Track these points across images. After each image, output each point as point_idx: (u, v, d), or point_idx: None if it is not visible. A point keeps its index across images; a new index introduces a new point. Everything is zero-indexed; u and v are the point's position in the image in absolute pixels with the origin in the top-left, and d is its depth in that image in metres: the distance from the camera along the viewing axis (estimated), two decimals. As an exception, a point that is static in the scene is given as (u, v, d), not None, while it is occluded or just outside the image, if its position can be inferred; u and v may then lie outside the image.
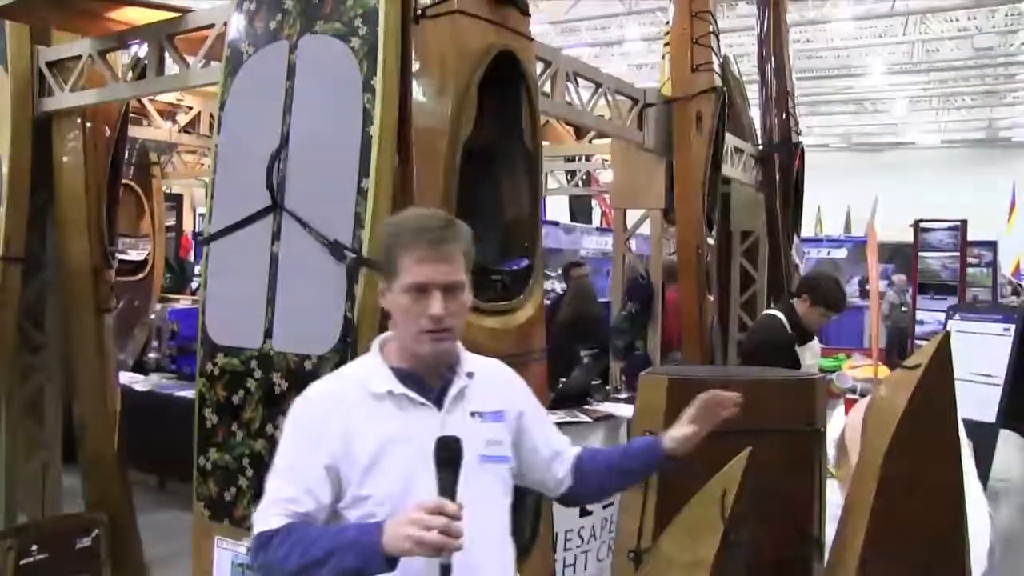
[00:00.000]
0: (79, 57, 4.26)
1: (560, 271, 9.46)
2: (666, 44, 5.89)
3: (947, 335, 2.74)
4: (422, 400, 1.78)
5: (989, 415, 6.96)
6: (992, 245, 14.14)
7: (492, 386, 1.90)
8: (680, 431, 2.00)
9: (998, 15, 16.57)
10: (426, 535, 1.49)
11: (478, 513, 1.63)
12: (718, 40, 5.76)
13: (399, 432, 1.74)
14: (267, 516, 1.71)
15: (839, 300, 4.62)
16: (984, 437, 6.53)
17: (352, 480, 1.73)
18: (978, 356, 7.15)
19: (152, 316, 7.81)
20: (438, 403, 1.79)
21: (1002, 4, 15.43)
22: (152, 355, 7.39)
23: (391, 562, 1.56)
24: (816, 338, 4.83)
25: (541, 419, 2.04)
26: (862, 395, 4.99)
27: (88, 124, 4.51)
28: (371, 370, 1.82)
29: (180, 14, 3.88)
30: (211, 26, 3.73)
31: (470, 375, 1.85)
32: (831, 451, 3.77)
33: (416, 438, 1.71)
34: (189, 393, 4.24)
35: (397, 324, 1.81)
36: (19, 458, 4.55)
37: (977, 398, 6.81)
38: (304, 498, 1.71)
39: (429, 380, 1.81)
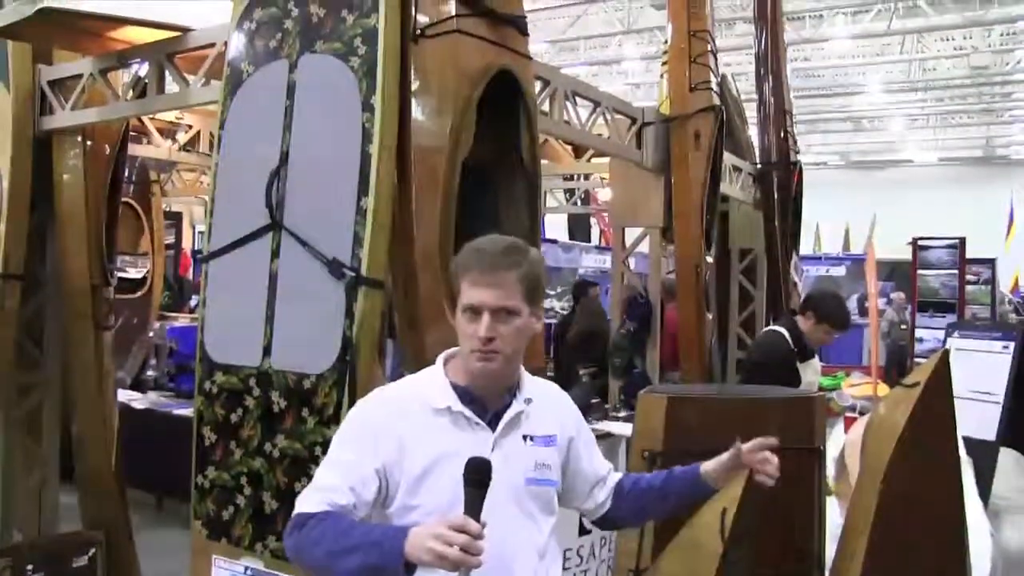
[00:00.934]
0: (80, 76, 4.28)
1: (573, 291, 9.56)
2: (664, 63, 5.93)
3: (946, 353, 2.74)
4: (478, 420, 1.84)
5: (989, 433, 6.93)
6: (991, 262, 14.15)
7: (547, 411, 1.95)
8: (719, 467, 2.03)
9: (993, 34, 16.67)
10: (447, 550, 1.53)
11: (521, 532, 1.73)
12: (716, 59, 5.80)
13: (452, 448, 1.78)
14: (309, 499, 1.79)
15: (844, 318, 4.65)
16: (984, 455, 6.51)
17: (402, 488, 1.80)
18: (978, 374, 7.14)
19: (151, 334, 7.80)
20: (493, 424, 1.85)
21: (997, 24, 15.52)
22: (150, 373, 7.39)
23: (409, 568, 1.61)
24: (816, 356, 4.83)
25: (590, 445, 2.08)
26: (861, 413, 4.99)
27: (88, 142, 4.53)
28: (434, 384, 1.88)
29: (181, 33, 3.90)
30: (211, 45, 3.75)
31: (528, 401, 1.90)
32: (831, 469, 3.76)
33: (467, 455, 1.72)
34: (187, 411, 4.24)
35: (460, 342, 1.87)
36: (16, 476, 4.53)
37: (977, 416, 6.79)
38: (347, 492, 1.77)
39: (488, 401, 1.87)
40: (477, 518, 1.59)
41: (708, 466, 2.05)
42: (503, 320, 1.80)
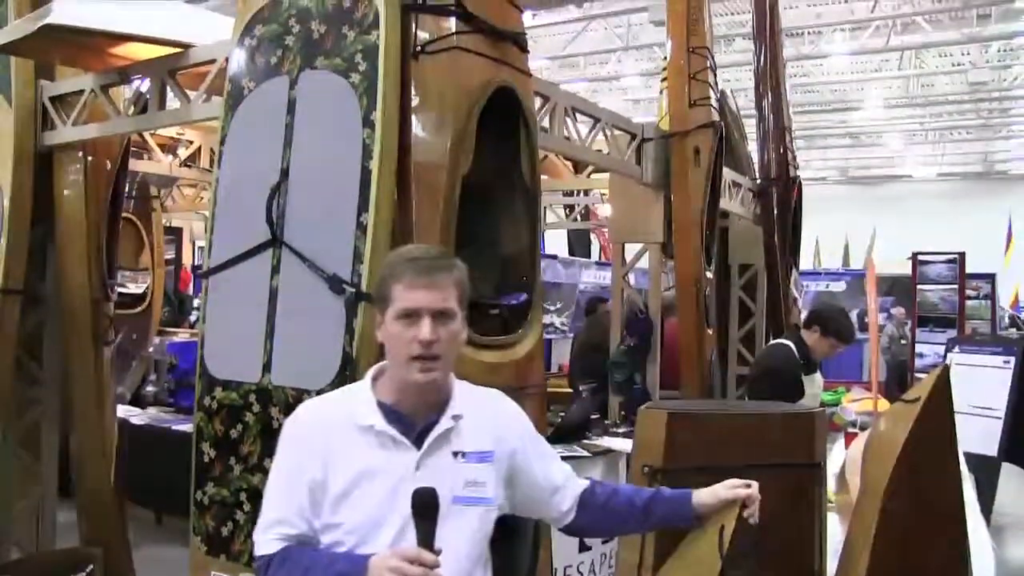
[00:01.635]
0: (82, 92, 4.30)
1: (585, 306, 9.64)
2: (664, 79, 5.94)
3: (946, 368, 2.74)
4: (403, 440, 1.81)
5: (991, 449, 6.91)
6: (990, 277, 14.15)
7: (483, 425, 1.91)
8: (713, 502, 2.02)
9: (991, 50, 16.74)
10: None
11: (448, 554, 1.68)
12: (715, 75, 5.82)
13: (374, 467, 1.78)
14: (265, 540, 1.79)
15: (849, 332, 4.70)
16: (986, 471, 6.49)
17: (325, 506, 1.79)
18: (978, 389, 7.12)
19: (151, 349, 7.79)
20: (419, 442, 1.81)
21: (995, 40, 15.59)
22: (150, 388, 7.37)
23: None
24: (819, 370, 4.85)
25: (540, 454, 2.04)
26: (862, 428, 4.98)
27: (89, 158, 4.55)
28: (360, 401, 1.86)
29: (182, 50, 3.92)
30: (212, 61, 3.77)
31: (457, 416, 1.86)
32: (832, 484, 3.75)
33: (390, 475, 1.76)
34: (187, 427, 4.23)
35: (389, 354, 1.84)
36: (14, 492, 4.52)
37: (978, 431, 6.77)
38: (296, 520, 1.78)
39: (415, 418, 1.84)
40: (431, 548, 1.61)
41: (702, 498, 2.03)
42: (442, 323, 1.78)
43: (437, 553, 1.62)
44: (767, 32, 7.12)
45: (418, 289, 1.77)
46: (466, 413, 1.88)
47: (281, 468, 1.86)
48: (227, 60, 3.28)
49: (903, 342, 13.34)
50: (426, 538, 1.63)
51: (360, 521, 1.76)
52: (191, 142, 7.19)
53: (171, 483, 3.81)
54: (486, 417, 1.93)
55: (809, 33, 15.63)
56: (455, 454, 1.84)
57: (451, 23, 2.95)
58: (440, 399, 1.87)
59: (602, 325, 7.45)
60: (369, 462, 1.78)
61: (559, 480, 2.04)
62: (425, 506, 1.65)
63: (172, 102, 4.19)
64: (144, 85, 4.26)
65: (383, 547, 1.72)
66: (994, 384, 7.24)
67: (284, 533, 1.77)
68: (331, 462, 1.79)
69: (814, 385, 4.74)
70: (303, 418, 1.90)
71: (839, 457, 4.54)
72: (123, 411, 6.07)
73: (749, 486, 2.04)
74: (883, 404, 6.01)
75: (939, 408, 2.64)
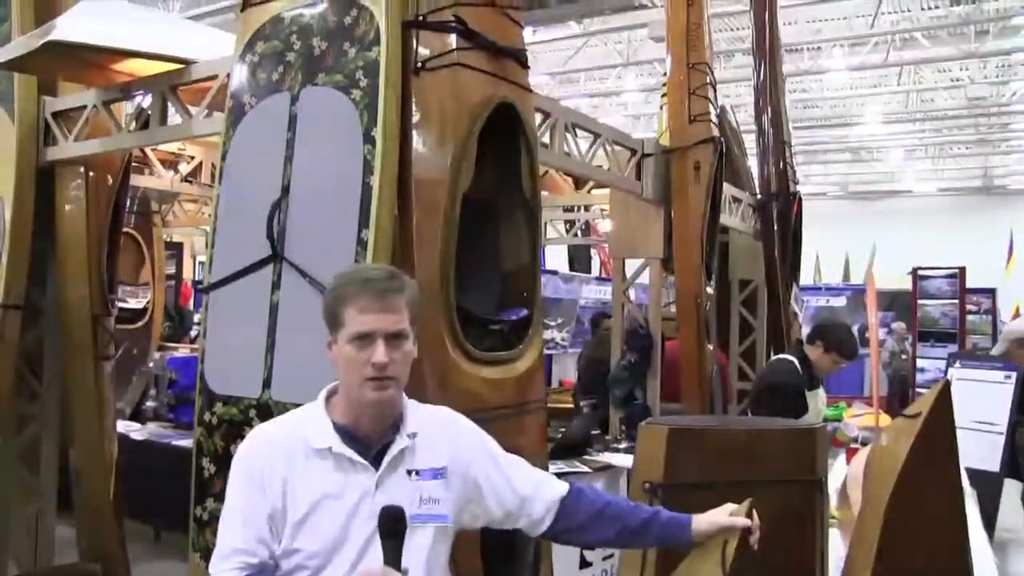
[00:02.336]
0: (84, 107, 4.32)
1: (590, 322, 9.65)
2: (664, 95, 5.97)
3: (947, 383, 2.73)
4: (360, 460, 1.80)
5: (993, 464, 6.87)
6: (991, 292, 14.15)
7: (436, 442, 1.91)
8: (713, 529, 2.02)
9: (989, 66, 16.78)
10: None
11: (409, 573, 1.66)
12: (715, 91, 5.84)
13: (333, 490, 1.77)
14: (225, 569, 1.75)
15: (852, 347, 4.69)
16: (989, 487, 6.45)
17: (284, 532, 1.77)
18: (980, 404, 7.09)
19: (151, 364, 7.78)
20: (376, 463, 1.81)
21: (992, 56, 15.65)
22: (150, 404, 7.34)
23: None
24: (822, 386, 4.85)
25: (501, 465, 2.02)
26: (863, 444, 4.96)
27: (90, 173, 4.56)
28: (314, 423, 1.85)
29: (184, 66, 3.94)
30: (214, 77, 3.79)
31: (412, 435, 1.86)
32: (833, 500, 3.73)
33: (348, 497, 1.76)
34: (186, 442, 4.22)
35: (342, 375, 1.84)
36: (13, 507, 4.50)
37: (980, 447, 6.74)
38: (257, 547, 1.76)
39: (370, 438, 1.84)
40: (398, 567, 1.61)
41: (701, 527, 2.02)
42: (395, 345, 1.79)
43: (404, 572, 1.61)
44: (766, 48, 7.16)
45: (372, 313, 1.78)
46: (420, 431, 1.88)
47: (238, 495, 1.82)
48: (228, 76, 3.29)
49: (904, 357, 13.32)
50: (394, 556, 1.62)
51: (321, 545, 1.75)
52: (192, 157, 7.20)
53: (170, 499, 3.80)
54: (438, 434, 1.93)
55: (808, 49, 15.68)
56: (409, 472, 1.84)
57: (452, 39, 2.96)
58: (394, 418, 1.87)
59: (605, 341, 7.45)
60: (327, 485, 1.78)
61: (527, 489, 2.02)
62: (393, 523, 1.64)
63: (174, 117, 4.20)
64: (146, 101, 4.27)
65: (344, 570, 1.72)
66: (995, 399, 7.22)
67: (244, 562, 1.74)
68: (289, 488, 1.77)
69: (817, 401, 4.74)
70: (258, 444, 1.87)
71: (840, 473, 4.52)
72: (123, 426, 6.06)
73: (748, 511, 2.03)
74: (884, 419, 5.99)
75: (940, 423, 2.63)
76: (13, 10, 4.32)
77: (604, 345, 7.19)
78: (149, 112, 4.19)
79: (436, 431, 1.93)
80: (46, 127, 4.43)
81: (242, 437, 2.83)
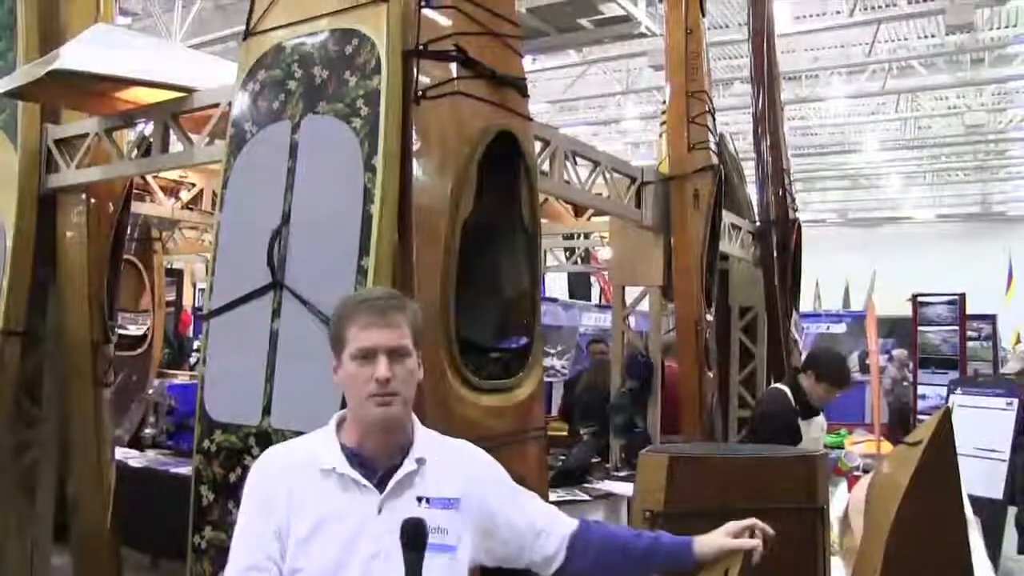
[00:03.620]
0: (86, 135, 4.34)
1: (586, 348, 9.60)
2: (663, 123, 5.99)
3: (947, 411, 2.74)
4: (365, 482, 1.81)
5: (996, 491, 6.84)
6: (991, 319, 14.13)
7: (449, 471, 1.90)
8: (714, 552, 2.00)
9: (985, 93, 16.90)
10: None
11: None
12: (714, 119, 5.87)
13: (336, 510, 1.79)
14: None
15: (842, 377, 4.67)
16: (993, 514, 6.43)
17: (289, 550, 1.78)
18: (982, 431, 7.08)
19: (150, 391, 7.76)
20: (381, 485, 1.82)
21: (988, 84, 15.75)
22: (149, 431, 7.32)
23: None
24: (821, 413, 4.83)
25: (515, 499, 2.02)
26: (865, 471, 4.94)
27: (92, 200, 4.57)
28: (323, 445, 1.88)
29: (186, 94, 3.97)
30: (216, 105, 3.81)
31: (420, 460, 1.86)
32: (835, 528, 3.71)
33: (352, 518, 1.77)
34: (185, 470, 4.20)
35: (348, 396, 1.87)
36: (8, 536, 4.47)
37: (983, 474, 6.72)
38: (266, 564, 1.77)
39: (377, 461, 1.84)
40: None
41: (704, 548, 2.00)
42: (398, 361, 1.81)
43: None
44: (765, 76, 7.20)
45: (373, 329, 1.81)
46: (431, 459, 1.88)
47: (249, 514, 1.85)
48: (230, 104, 3.31)
49: (905, 384, 13.27)
50: (414, 569, 1.60)
51: (323, 565, 1.76)
52: (193, 185, 7.23)
53: (168, 527, 3.78)
54: (453, 464, 1.93)
55: (806, 77, 15.79)
56: (419, 499, 1.84)
57: (452, 68, 2.99)
58: (403, 442, 1.88)
59: (604, 367, 7.40)
60: (331, 505, 1.79)
61: (540, 523, 2.01)
62: (414, 536, 1.63)
63: (175, 145, 4.22)
64: (148, 128, 4.30)
65: None
66: (997, 426, 7.20)
67: None
68: (294, 507, 1.79)
69: (814, 429, 4.71)
70: (267, 464, 1.91)
71: (842, 501, 4.50)
72: (121, 453, 6.03)
73: (751, 529, 2.02)
74: (886, 446, 5.98)
75: (942, 450, 2.63)
76: (19, 40, 4.36)
77: (601, 372, 7.17)
78: (151, 140, 4.21)
79: (451, 461, 1.93)
80: (48, 154, 4.45)
81: (241, 465, 2.85)
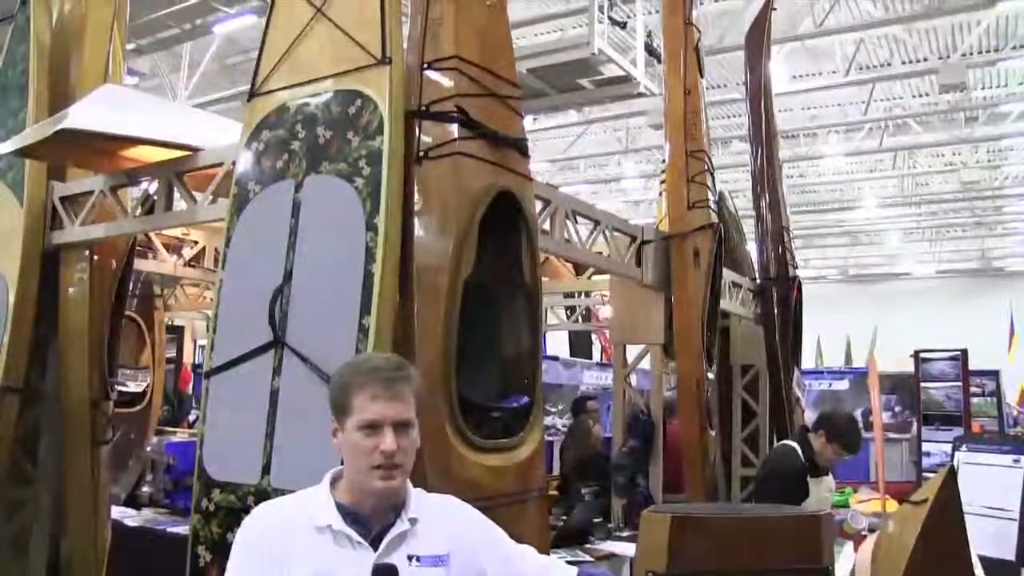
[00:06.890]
0: (91, 192, 4.38)
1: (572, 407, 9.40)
2: (663, 182, 6.05)
3: (951, 469, 2.71)
4: (359, 540, 1.82)
5: (1006, 551, 6.71)
6: (994, 374, 14.08)
7: (439, 529, 1.92)
8: None
9: (980, 151, 17.10)
10: None
11: None
12: (713, 177, 5.92)
13: (330, 567, 1.79)
14: None
15: (854, 440, 4.63)
16: (1006, 576, 6.30)
17: None
18: (989, 489, 6.97)
19: (148, 448, 7.69)
20: (375, 544, 1.83)
21: (983, 141, 15.95)
22: (146, 489, 7.23)
23: None
24: (831, 473, 4.78)
25: (506, 553, 2.04)
26: (871, 530, 4.87)
27: (95, 257, 4.59)
28: (318, 502, 1.88)
29: (190, 153, 4.01)
30: (219, 164, 3.85)
31: (413, 520, 1.88)
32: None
33: (345, 574, 1.77)
34: (182, 529, 4.15)
35: (348, 462, 1.87)
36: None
37: (992, 533, 6.60)
38: None
39: (372, 520, 1.86)
40: None
41: None
42: (403, 434, 1.83)
43: None
44: (763, 134, 7.29)
45: (381, 401, 1.82)
46: (422, 517, 1.90)
47: (239, 568, 1.85)
48: (234, 163, 3.35)
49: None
50: None
51: None
52: (196, 242, 7.27)
53: (164, 588, 3.71)
54: (442, 521, 1.95)
55: (804, 135, 15.99)
56: (410, 558, 1.85)
57: (453, 128, 3.03)
58: (397, 502, 1.89)
59: (585, 433, 7.24)
60: (325, 562, 1.80)
61: (534, 570, 2.04)
62: None
63: (179, 203, 4.26)
64: (152, 186, 4.34)
65: None
66: (1005, 484, 7.09)
67: None
68: (287, 563, 1.79)
69: (822, 488, 4.66)
70: (259, 521, 1.91)
71: (848, 561, 4.43)
72: (117, 512, 5.95)
73: None
74: (891, 505, 5.90)
75: (947, 510, 2.60)
76: (30, 100, 4.43)
77: (585, 442, 7.06)
78: (155, 197, 4.24)
79: (440, 518, 1.95)
80: (53, 211, 4.48)
81: (240, 525, 2.81)
